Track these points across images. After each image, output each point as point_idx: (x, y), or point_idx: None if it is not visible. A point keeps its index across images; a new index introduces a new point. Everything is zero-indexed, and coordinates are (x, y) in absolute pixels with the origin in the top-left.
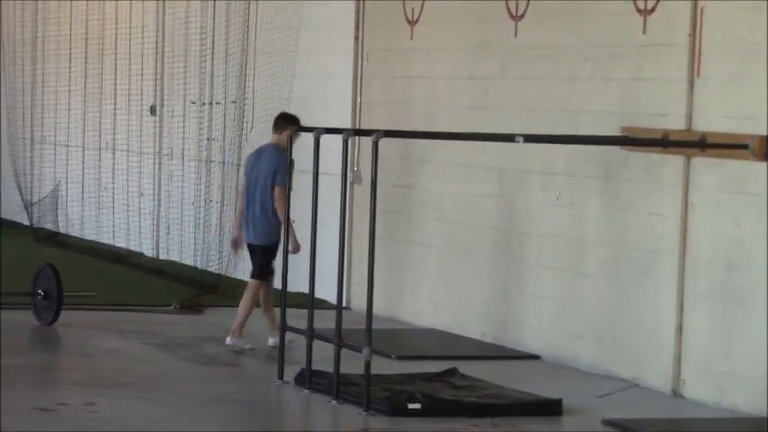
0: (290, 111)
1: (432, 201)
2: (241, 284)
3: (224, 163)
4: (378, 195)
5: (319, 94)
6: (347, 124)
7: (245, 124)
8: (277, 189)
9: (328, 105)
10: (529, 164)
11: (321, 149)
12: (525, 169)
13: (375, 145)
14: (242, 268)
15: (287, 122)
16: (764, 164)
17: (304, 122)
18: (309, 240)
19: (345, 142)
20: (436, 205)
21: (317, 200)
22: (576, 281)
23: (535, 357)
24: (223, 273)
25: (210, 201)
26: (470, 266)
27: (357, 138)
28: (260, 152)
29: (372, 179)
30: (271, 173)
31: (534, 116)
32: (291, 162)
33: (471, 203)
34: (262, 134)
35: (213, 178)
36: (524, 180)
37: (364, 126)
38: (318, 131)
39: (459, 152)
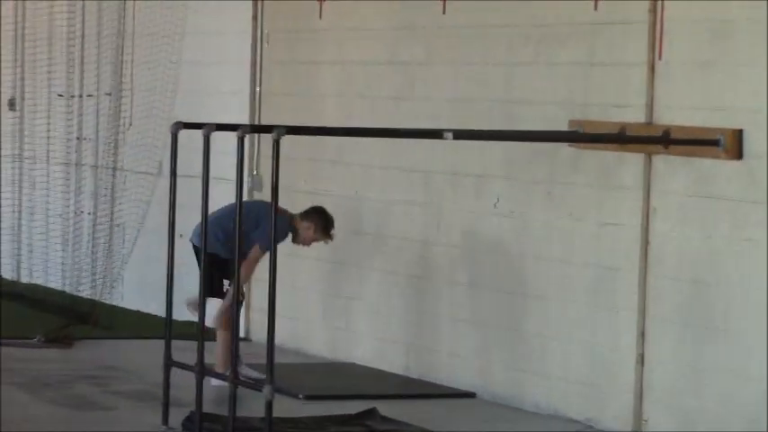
0: (177, 103)
1: (345, 210)
2: (119, 312)
3: (97, 167)
4: (281, 204)
5: (211, 84)
6: (244, 119)
7: (122, 120)
8: (255, 247)
9: (221, 97)
10: (460, 165)
11: (212, 150)
12: (456, 171)
13: (276, 144)
14: (120, 293)
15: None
16: (738, 162)
17: (192, 117)
18: (203, 260)
19: (241, 141)
20: (351, 215)
21: (206, 210)
22: (518, 303)
23: (470, 395)
24: (97, 298)
25: (81, 212)
26: (392, 287)
27: (256, 136)
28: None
29: (273, 185)
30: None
31: (467, 108)
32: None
33: (392, 212)
34: (142, 132)
35: (84, 185)
36: (455, 184)
37: (264, 121)
38: (208, 128)
39: (377, 152)
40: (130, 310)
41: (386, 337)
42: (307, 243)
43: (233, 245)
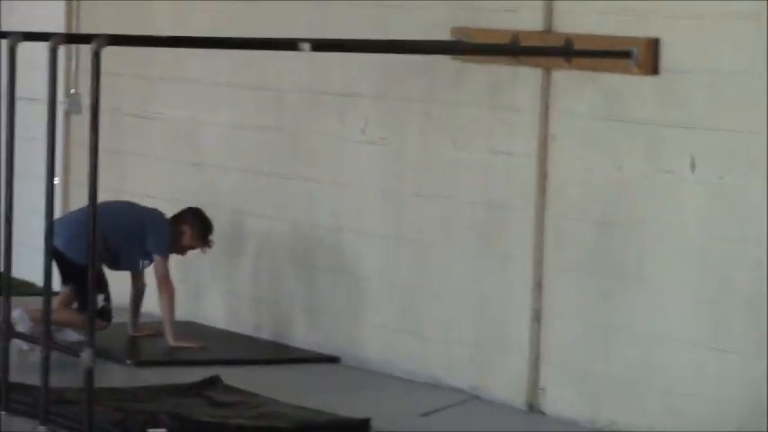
0: None
1: (180, 136)
2: None
3: None
4: (102, 129)
5: None
6: (59, 27)
7: None
8: (157, 259)
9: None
10: (321, 82)
11: (20, 64)
12: (315, 90)
13: (96, 56)
14: None
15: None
16: (653, 78)
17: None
18: (3, 196)
19: (53, 53)
20: (186, 141)
21: (12, 138)
22: (391, 250)
23: (333, 360)
24: None
25: None
26: (239, 231)
27: (74, 47)
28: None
29: (93, 106)
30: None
31: (328, 11)
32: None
33: (238, 139)
34: None
35: None
36: (314, 106)
37: (85, 29)
38: (14, 38)
39: (219, 67)
40: None
41: (233, 292)
42: (183, 252)
43: (114, 258)
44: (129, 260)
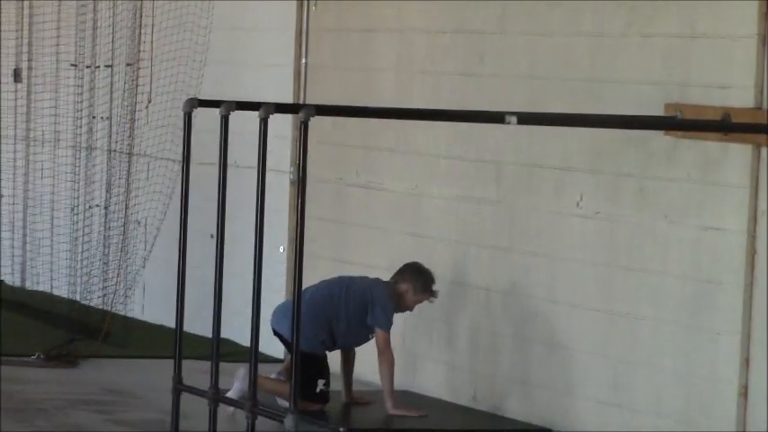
0: (206, 76)
1: (404, 208)
2: (136, 326)
3: (110, 152)
4: (325, 199)
5: (248, 54)
6: (287, 98)
7: (139, 96)
8: (379, 333)
9: (260, 70)
10: (537, 156)
11: (249, 135)
12: (533, 163)
13: (303, 126)
14: (138, 303)
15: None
16: None
17: (225, 94)
18: (215, 264)
19: (264, 122)
20: (411, 214)
21: (224, 199)
22: (603, 323)
23: None
24: (108, 309)
25: (93, 205)
26: (457, 303)
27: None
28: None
29: (299, 176)
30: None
31: (544, 87)
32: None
33: (458, 211)
34: (165, 111)
35: (96, 173)
36: (531, 178)
37: (311, 100)
38: (227, 107)
39: (441, 138)
40: (151, 324)
41: (451, 362)
42: (410, 308)
43: (334, 338)
44: (352, 339)
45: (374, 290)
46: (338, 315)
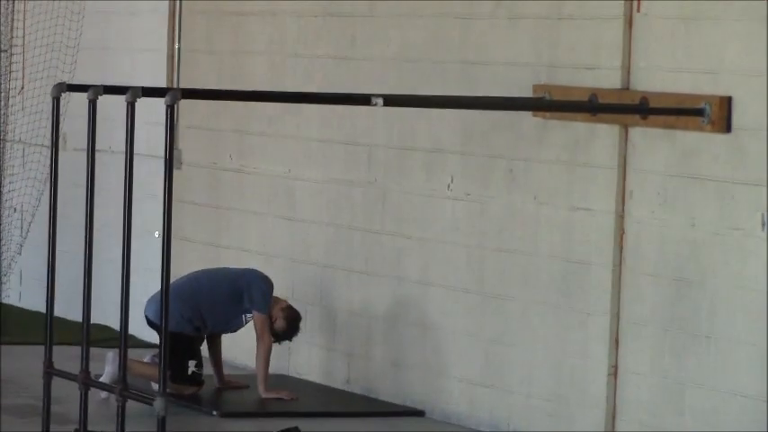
0: (83, 62)
1: (277, 192)
2: (13, 312)
3: None
4: (200, 184)
5: (121, 39)
6: (161, 81)
7: (11, 83)
8: (258, 316)
9: (133, 54)
10: (408, 138)
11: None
12: (403, 146)
13: (170, 110)
14: (15, 290)
15: None
16: (725, 136)
17: (98, 79)
18: (84, 250)
19: (131, 106)
20: (283, 197)
21: (92, 185)
22: (474, 304)
23: (418, 413)
24: None
25: None
26: (330, 285)
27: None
28: None
29: (167, 160)
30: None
31: (415, 69)
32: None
33: (328, 192)
34: (38, 97)
35: None
36: (401, 160)
37: (185, 84)
38: (94, 91)
39: (313, 122)
40: (28, 311)
41: (324, 346)
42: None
43: (204, 320)
44: (224, 324)
45: (248, 275)
46: (207, 297)
